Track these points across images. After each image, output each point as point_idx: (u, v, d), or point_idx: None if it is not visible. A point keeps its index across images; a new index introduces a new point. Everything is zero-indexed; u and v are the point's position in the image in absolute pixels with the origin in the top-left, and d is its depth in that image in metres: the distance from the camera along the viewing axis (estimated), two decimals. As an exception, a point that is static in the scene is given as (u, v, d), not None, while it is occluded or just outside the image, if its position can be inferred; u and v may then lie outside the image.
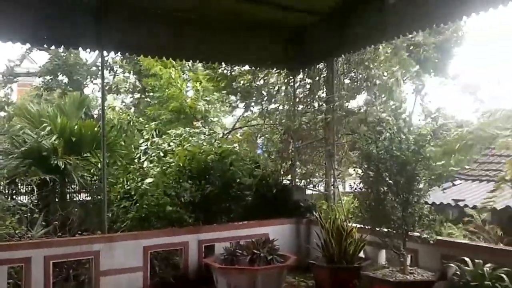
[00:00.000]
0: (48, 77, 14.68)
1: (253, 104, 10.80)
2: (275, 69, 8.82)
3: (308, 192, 8.33)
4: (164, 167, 7.41)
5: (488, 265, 4.78)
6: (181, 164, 7.26)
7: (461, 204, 10.88)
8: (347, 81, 8.50)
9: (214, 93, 11.58)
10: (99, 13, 6.23)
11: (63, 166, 8.20)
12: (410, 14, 5.55)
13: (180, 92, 11.28)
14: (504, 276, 4.57)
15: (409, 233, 5.46)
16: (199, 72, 12.04)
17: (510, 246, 7.12)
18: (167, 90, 11.32)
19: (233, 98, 11.64)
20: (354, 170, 6.87)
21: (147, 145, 8.67)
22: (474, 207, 10.43)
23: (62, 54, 14.33)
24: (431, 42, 12.86)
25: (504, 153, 11.99)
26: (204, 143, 8.07)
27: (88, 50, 6.69)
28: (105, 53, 7.62)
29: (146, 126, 10.31)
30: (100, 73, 13.41)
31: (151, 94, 12.35)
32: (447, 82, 16.17)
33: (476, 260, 4.88)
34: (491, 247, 6.13)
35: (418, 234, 5.44)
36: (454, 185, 12.24)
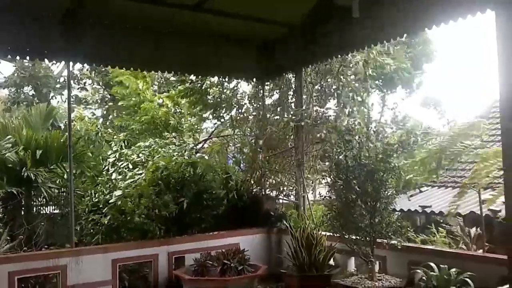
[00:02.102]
0: (13, 89, 14.35)
1: (223, 115, 10.81)
2: (244, 79, 8.86)
3: (279, 201, 8.38)
4: (133, 179, 7.33)
5: (453, 269, 4.89)
6: (153, 176, 7.20)
7: (428, 210, 11.13)
8: (316, 91, 8.61)
9: (187, 109, 11.57)
10: (67, 24, 6.12)
11: (33, 178, 8.06)
12: (375, 26, 5.68)
13: (151, 104, 11.21)
14: (469, 280, 4.69)
15: (377, 240, 5.56)
16: (171, 89, 11.98)
17: (492, 253, 7.22)
18: (133, 99, 11.22)
19: (204, 110, 11.62)
20: (323, 178, 6.97)
21: (115, 156, 8.55)
22: (441, 213, 10.69)
23: (29, 65, 14.05)
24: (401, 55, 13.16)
25: (469, 160, 12.35)
26: (175, 154, 8.03)
27: (54, 61, 6.60)
28: (72, 64, 7.51)
29: (115, 137, 10.19)
30: (67, 84, 13.29)
31: (119, 103, 12.22)
32: (413, 94, 16.61)
33: (442, 265, 4.99)
34: (456, 252, 6.30)
35: (386, 240, 5.55)
36: (421, 191, 12.48)
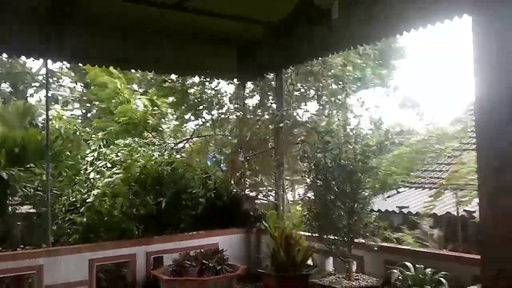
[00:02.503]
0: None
1: (204, 115, 10.78)
2: (225, 79, 8.86)
3: (258, 201, 8.40)
4: (112, 178, 7.27)
5: (429, 269, 4.98)
6: (132, 175, 7.15)
7: (405, 211, 11.27)
8: (296, 91, 8.67)
9: (167, 108, 11.50)
10: (46, 21, 6.04)
11: (6, 178, 7.89)
12: (355, 29, 5.74)
13: (128, 105, 11.10)
14: (443, 280, 4.78)
15: (355, 240, 5.63)
16: (151, 89, 11.88)
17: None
18: (113, 101, 11.11)
19: (185, 111, 11.57)
20: (302, 179, 7.02)
21: (94, 155, 8.46)
22: (417, 214, 10.84)
23: (5, 61, 13.81)
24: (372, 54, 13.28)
25: (445, 161, 12.57)
26: (155, 154, 7.98)
27: (32, 58, 6.50)
28: (52, 62, 7.39)
29: (93, 136, 10.08)
30: (45, 82, 13.09)
31: (98, 103, 12.10)
32: (389, 94, 16.78)
33: (417, 265, 5.07)
34: (431, 252, 6.41)
35: (363, 241, 5.61)
36: (398, 192, 12.66)
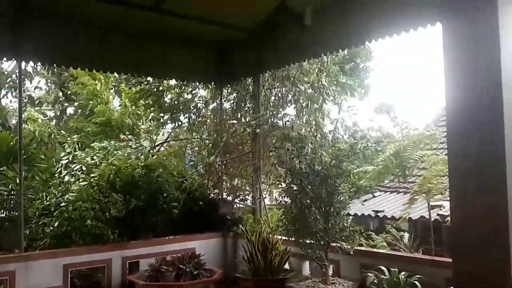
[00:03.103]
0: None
1: (181, 118, 10.75)
2: (202, 83, 8.85)
3: (235, 205, 8.40)
4: (87, 181, 7.17)
5: (403, 273, 5.05)
6: (106, 178, 7.06)
7: (380, 215, 11.42)
8: (273, 96, 8.72)
9: (142, 111, 11.41)
10: (15, 21, 5.91)
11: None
12: (327, 36, 5.83)
13: (106, 106, 10.99)
14: (417, 283, 4.85)
15: (331, 244, 5.67)
16: (123, 87, 11.77)
17: (426, 255, 7.53)
18: (91, 102, 10.98)
19: (161, 113, 11.50)
20: (279, 183, 7.05)
21: (68, 158, 8.33)
22: (393, 218, 10.99)
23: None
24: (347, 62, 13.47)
25: (420, 166, 12.77)
26: (131, 157, 7.90)
27: (4, 59, 6.37)
28: (17, 61, 7.24)
29: (68, 139, 9.93)
30: (18, 82, 12.83)
31: (75, 103, 11.93)
32: (363, 100, 16.92)
33: (392, 269, 5.14)
34: (405, 256, 6.50)
35: (339, 245, 5.66)
36: (374, 196, 12.82)
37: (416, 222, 10.14)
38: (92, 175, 7.18)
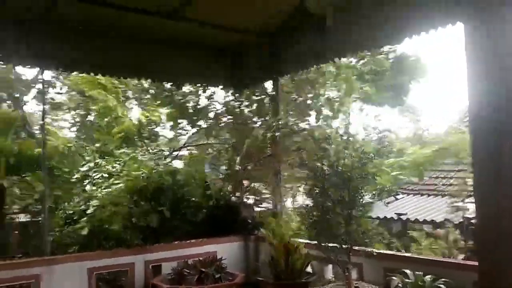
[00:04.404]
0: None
1: (200, 123, 10.77)
2: (220, 88, 8.86)
3: (257, 209, 8.39)
4: (109, 189, 7.25)
5: (428, 276, 4.97)
6: (132, 185, 7.13)
7: (403, 217, 11.28)
8: (293, 99, 8.68)
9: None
10: (36, 27, 5.99)
11: (6, 186, 7.93)
12: (348, 37, 5.77)
13: (124, 124, 11.08)
14: (443, 287, 4.77)
15: (354, 247, 5.61)
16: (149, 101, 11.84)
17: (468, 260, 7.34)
18: (105, 119, 11.09)
19: (183, 121, 11.56)
20: (300, 186, 7.02)
21: (89, 166, 8.44)
22: (416, 221, 10.87)
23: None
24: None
25: (444, 168, 12.65)
26: (151, 163, 7.96)
27: (27, 66, 6.47)
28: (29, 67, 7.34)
29: (88, 148, 10.06)
30: (38, 89, 13.04)
31: (93, 117, 12.06)
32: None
33: (417, 272, 5.06)
34: (430, 259, 6.38)
35: (362, 248, 5.60)
36: (396, 199, 12.67)
37: (440, 225, 9.97)
38: (116, 181, 7.25)
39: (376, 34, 5.55)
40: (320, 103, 8.80)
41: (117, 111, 11.30)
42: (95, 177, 8.04)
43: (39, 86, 13.99)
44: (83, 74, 11.36)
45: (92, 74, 7.90)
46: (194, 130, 11.27)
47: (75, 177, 8.62)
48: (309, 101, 8.89)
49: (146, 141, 10.90)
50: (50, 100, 15.03)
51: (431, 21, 4.87)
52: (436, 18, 4.82)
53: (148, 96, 11.88)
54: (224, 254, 6.75)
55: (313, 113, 8.92)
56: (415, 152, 11.44)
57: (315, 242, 5.93)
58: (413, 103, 18.46)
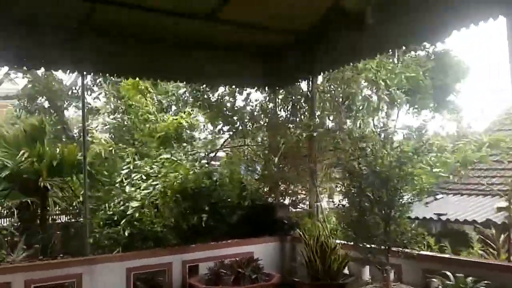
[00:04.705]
0: (25, 101, 14.48)
1: (237, 125, 10.82)
2: (255, 88, 8.86)
3: (292, 209, 8.35)
4: (148, 190, 7.38)
5: (470, 278, 4.83)
6: (170, 186, 7.23)
7: (443, 218, 11.00)
8: (328, 98, 8.61)
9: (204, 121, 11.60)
10: (77, 33, 6.16)
11: (49, 188, 8.20)
12: (386, 33, 5.67)
13: (162, 124, 11.24)
14: (486, 289, 4.63)
15: (392, 248, 5.51)
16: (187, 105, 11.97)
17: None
18: (143, 125, 11.27)
19: (220, 123, 11.64)
20: (336, 186, 6.95)
21: (129, 168, 8.60)
22: (457, 221, 10.59)
23: (41, 77, 14.19)
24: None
25: (484, 166, 12.28)
26: (189, 165, 8.05)
27: (68, 71, 6.64)
28: (77, 73, 7.55)
29: (127, 149, 10.23)
30: (79, 94, 13.41)
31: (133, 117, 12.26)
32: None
33: (458, 274, 4.93)
34: (471, 261, 6.22)
35: (400, 249, 5.49)
36: (436, 199, 12.37)
37: (481, 225, 9.68)
38: (154, 182, 7.37)
39: (414, 32, 5.43)
40: (357, 101, 8.69)
41: (155, 116, 11.47)
42: (134, 178, 8.19)
43: (79, 91, 14.46)
44: (124, 79, 11.65)
45: (131, 78, 8.05)
46: (231, 131, 11.37)
47: (116, 180, 8.80)
48: (346, 99, 8.80)
49: (184, 144, 11.01)
50: (89, 105, 15.49)
51: (473, 16, 4.71)
52: (477, 13, 4.67)
53: (185, 98, 12.04)
54: (260, 254, 6.75)
55: (350, 111, 8.84)
56: (456, 150, 11.12)
57: (352, 242, 5.86)
58: (455, 100, 17.87)
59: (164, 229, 6.72)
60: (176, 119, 10.80)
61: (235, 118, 10.46)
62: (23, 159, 8.56)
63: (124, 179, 8.47)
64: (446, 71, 14.78)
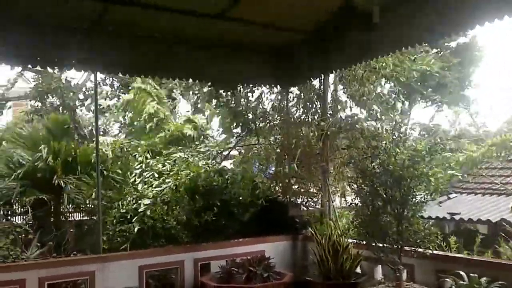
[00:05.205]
0: (37, 100, 14.61)
1: (248, 124, 10.82)
2: (267, 87, 8.85)
3: (304, 208, 8.33)
4: (160, 188, 7.42)
5: (484, 278, 4.78)
6: (182, 184, 7.26)
7: (456, 217, 10.90)
8: (341, 96, 8.57)
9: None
10: (89, 33, 6.19)
11: (64, 185, 8.30)
12: (399, 31, 5.62)
13: (169, 126, 11.31)
14: (500, 289, 4.59)
15: (405, 247, 5.48)
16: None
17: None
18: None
19: (233, 122, 11.65)
20: (349, 185, 6.92)
21: (141, 166, 8.66)
22: (470, 220, 10.48)
23: (54, 76, 14.29)
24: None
25: (499, 165, 12.15)
26: (200, 163, 8.09)
27: (81, 71, 6.69)
28: (91, 72, 7.61)
29: (139, 148, 10.29)
30: (90, 93, 13.53)
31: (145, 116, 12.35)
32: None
33: (471, 274, 4.88)
34: (485, 261, 6.14)
35: (413, 248, 5.45)
36: (449, 198, 12.27)
37: (496, 225, 9.58)
38: (167, 180, 7.41)
39: (428, 28, 5.37)
40: (370, 99, 8.63)
41: (168, 119, 11.56)
42: (146, 176, 8.24)
43: (91, 91, 14.57)
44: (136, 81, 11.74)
45: (143, 76, 8.08)
46: (244, 130, 11.38)
47: (130, 178, 8.87)
48: (359, 98, 8.74)
49: (196, 142, 11.06)
50: (101, 105, 15.61)
51: (494, 11, 4.63)
52: (500, 8, 4.57)
53: (197, 97, 12.09)
54: (272, 253, 6.75)
55: (363, 111, 8.79)
56: (470, 149, 11.02)
57: (365, 241, 5.84)
58: (471, 96, 17.62)
59: (176, 225, 6.74)
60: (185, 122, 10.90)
61: (247, 117, 10.46)
62: (42, 156, 8.65)
63: (137, 178, 8.54)
64: (464, 65, 14.66)
